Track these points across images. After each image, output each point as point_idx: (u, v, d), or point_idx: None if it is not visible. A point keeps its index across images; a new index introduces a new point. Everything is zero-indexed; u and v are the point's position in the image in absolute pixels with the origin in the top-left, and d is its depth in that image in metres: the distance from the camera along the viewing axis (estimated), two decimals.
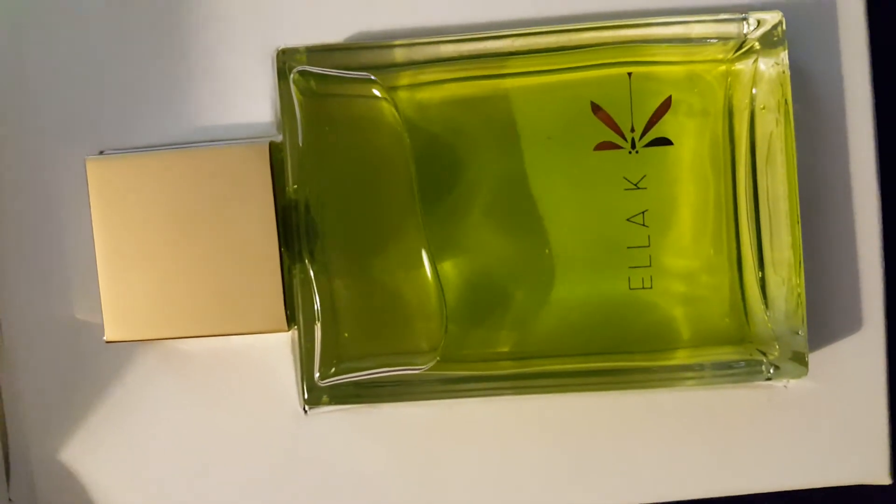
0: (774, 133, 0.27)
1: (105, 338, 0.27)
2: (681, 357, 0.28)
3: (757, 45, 0.27)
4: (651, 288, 0.28)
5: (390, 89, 0.27)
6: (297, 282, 0.28)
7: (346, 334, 0.28)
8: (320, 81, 0.27)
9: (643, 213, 0.27)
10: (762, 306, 0.27)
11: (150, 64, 0.29)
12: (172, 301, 0.27)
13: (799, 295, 0.27)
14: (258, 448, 0.29)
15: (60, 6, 0.29)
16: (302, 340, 0.28)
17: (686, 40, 0.27)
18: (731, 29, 0.27)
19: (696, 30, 0.27)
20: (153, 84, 0.29)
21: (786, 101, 0.27)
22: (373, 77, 0.27)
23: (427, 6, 0.28)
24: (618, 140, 0.27)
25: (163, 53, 0.29)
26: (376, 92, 0.27)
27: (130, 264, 0.27)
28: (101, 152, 0.28)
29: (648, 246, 0.27)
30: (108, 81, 0.29)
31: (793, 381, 0.28)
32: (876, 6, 0.28)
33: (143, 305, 0.27)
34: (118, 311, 0.27)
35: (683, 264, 0.28)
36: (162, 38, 0.29)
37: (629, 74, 0.27)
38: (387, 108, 0.27)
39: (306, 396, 0.28)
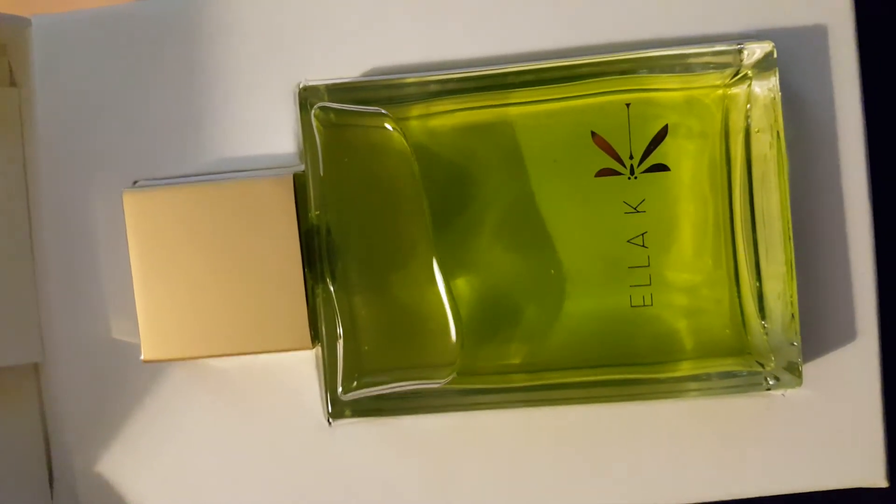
0: (768, 154, 0.27)
1: (142, 357, 0.28)
2: (685, 368, 0.28)
3: (750, 73, 0.27)
4: (651, 305, 0.28)
5: (402, 119, 0.28)
6: (319, 301, 0.28)
7: (366, 348, 0.28)
8: (339, 114, 0.28)
9: (643, 234, 0.28)
10: (759, 319, 0.28)
11: (181, 100, 0.29)
12: (204, 322, 0.28)
13: (793, 308, 0.27)
14: (286, 458, 0.29)
15: (94, 43, 0.29)
16: (325, 357, 0.28)
17: (684, 68, 0.27)
18: (727, 57, 0.27)
19: (694, 60, 0.27)
20: (184, 118, 0.29)
21: (778, 127, 0.27)
22: (384, 111, 0.28)
23: (436, 43, 0.29)
24: (617, 167, 0.28)
25: (193, 90, 0.29)
26: (387, 125, 0.28)
27: (165, 289, 0.27)
28: (136, 182, 0.29)
29: (648, 266, 0.28)
30: (142, 116, 0.29)
31: (790, 391, 0.28)
32: (865, 33, 0.28)
33: (178, 327, 0.28)
34: (154, 333, 0.28)
35: (685, 278, 0.28)
36: (193, 76, 0.29)
37: (627, 105, 0.27)
38: (397, 137, 0.28)
39: (330, 410, 0.29)
